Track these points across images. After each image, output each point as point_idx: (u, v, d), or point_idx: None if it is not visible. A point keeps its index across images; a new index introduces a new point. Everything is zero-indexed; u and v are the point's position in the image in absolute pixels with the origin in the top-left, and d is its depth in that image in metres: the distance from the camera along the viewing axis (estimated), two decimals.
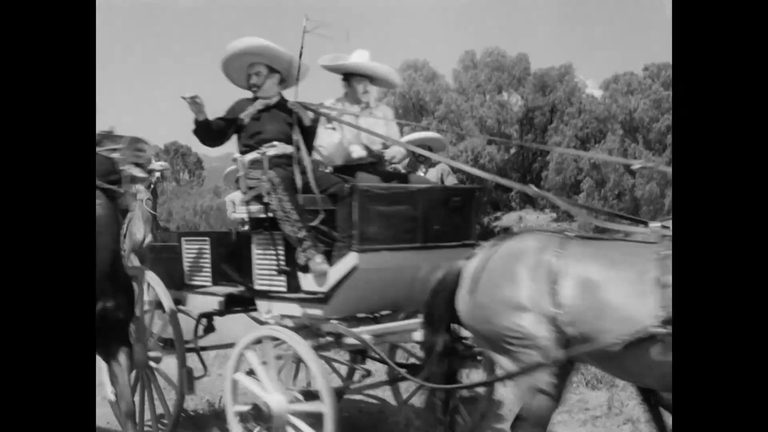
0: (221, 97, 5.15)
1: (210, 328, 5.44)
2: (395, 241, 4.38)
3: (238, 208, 4.89)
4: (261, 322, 4.86)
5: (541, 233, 3.63)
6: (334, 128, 4.79)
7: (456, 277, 3.76)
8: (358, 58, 4.95)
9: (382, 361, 4.85)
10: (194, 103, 4.58)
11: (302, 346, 4.29)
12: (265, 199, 4.49)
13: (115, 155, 4.12)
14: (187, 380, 5.18)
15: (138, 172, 4.16)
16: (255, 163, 4.65)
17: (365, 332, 4.37)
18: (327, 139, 4.78)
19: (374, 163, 5.06)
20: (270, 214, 4.51)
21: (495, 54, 34.08)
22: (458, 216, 4.70)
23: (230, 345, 4.93)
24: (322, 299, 4.40)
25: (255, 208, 4.65)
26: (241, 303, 5.15)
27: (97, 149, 4.04)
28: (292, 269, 4.52)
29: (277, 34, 4.30)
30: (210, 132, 4.77)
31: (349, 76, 5.02)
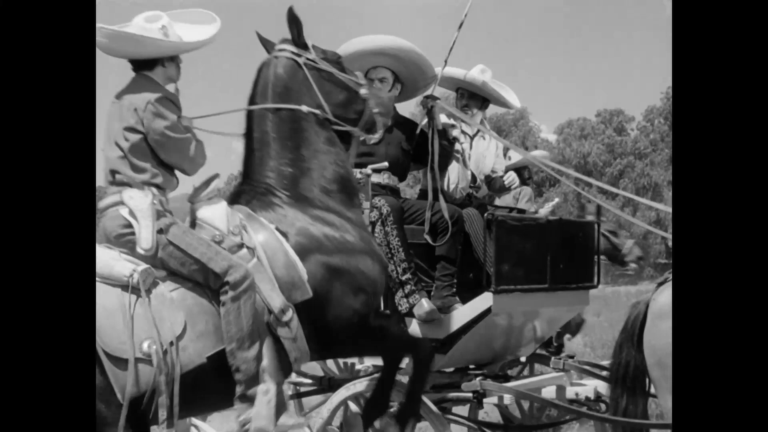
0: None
1: None
2: (526, 282, 3.80)
3: None
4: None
5: None
6: (459, 152, 4.16)
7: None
8: (483, 75, 4.43)
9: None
10: None
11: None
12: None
13: None
14: None
15: None
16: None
17: (514, 389, 3.74)
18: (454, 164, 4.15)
19: (469, 195, 4.48)
20: None
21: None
22: (581, 254, 4.17)
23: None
24: (436, 348, 3.75)
25: None
26: None
27: None
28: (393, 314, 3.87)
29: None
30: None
31: (466, 92, 4.49)
